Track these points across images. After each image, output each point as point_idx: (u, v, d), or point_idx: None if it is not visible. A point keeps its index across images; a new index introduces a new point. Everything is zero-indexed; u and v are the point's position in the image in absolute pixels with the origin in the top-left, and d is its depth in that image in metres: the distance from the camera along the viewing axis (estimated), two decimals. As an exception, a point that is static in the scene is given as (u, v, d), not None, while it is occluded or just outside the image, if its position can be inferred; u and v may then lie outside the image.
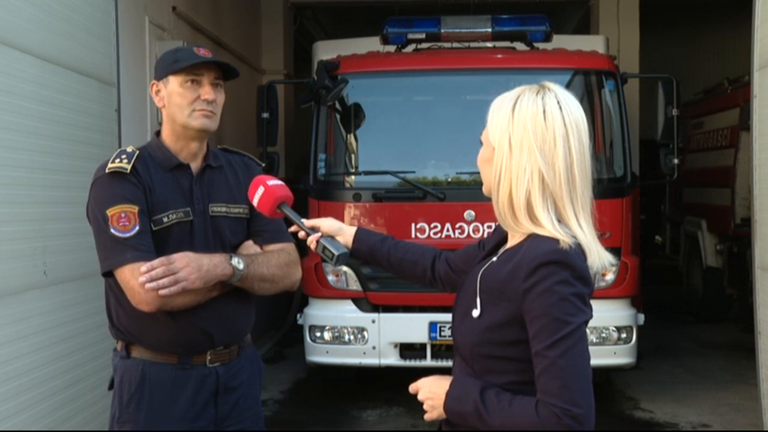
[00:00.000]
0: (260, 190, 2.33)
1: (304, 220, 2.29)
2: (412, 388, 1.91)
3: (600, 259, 1.80)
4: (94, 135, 4.63)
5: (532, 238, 1.78)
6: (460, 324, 1.88)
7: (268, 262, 2.61)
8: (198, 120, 2.55)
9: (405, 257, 2.27)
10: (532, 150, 1.77)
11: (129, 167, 2.48)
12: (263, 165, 2.86)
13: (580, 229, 1.78)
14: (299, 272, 2.72)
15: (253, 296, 2.66)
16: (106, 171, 2.49)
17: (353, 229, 2.29)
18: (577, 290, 1.71)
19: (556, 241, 1.74)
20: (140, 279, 2.36)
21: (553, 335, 1.68)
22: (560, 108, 1.79)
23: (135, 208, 2.45)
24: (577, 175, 1.79)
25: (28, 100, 3.97)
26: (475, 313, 1.82)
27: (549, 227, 1.76)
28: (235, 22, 8.99)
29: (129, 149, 2.55)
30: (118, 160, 2.50)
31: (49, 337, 4.09)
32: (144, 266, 2.37)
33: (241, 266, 2.51)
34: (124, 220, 2.43)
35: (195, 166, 2.63)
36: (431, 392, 1.85)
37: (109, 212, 2.43)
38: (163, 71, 2.59)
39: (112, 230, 2.42)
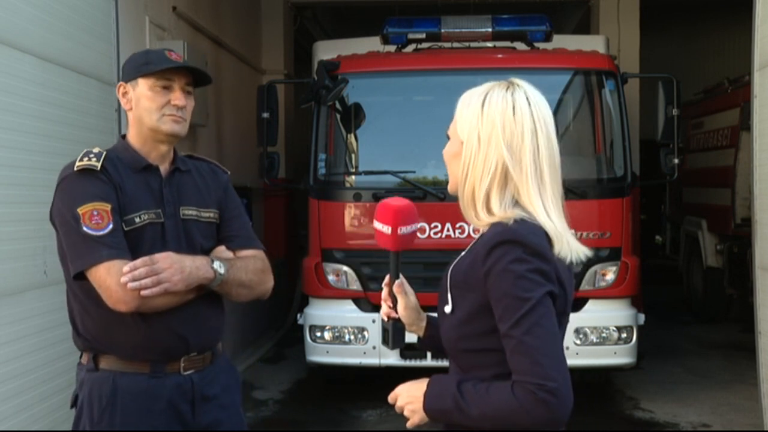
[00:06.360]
0: (387, 230, 1.95)
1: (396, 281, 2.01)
2: (391, 398, 1.88)
3: (572, 250, 1.79)
4: (94, 135, 4.63)
5: (491, 226, 1.79)
6: (440, 323, 1.88)
7: (246, 268, 2.54)
8: (168, 124, 2.47)
9: None
10: (500, 145, 1.78)
11: (99, 165, 2.38)
12: (229, 173, 2.76)
13: (549, 220, 1.78)
14: (272, 280, 2.65)
15: (224, 301, 2.59)
16: (75, 169, 2.39)
17: (425, 317, 2.08)
18: (533, 266, 1.70)
19: (506, 223, 1.75)
20: (122, 279, 2.27)
21: (515, 314, 1.67)
22: (529, 104, 1.81)
23: (107, 206, 2.35)
24: (545, 169, 1.80)
25: (28, 100, 3.97)
26: (447, 309, 1.82)
27: (498, 212, 1.77)
28: (235, 22, 8.99)
29: (95, 150, 2.45)
30: (86, 158, 2.40)
31: (49, 337, 4.09)
32: (126, 266, 2.29)
33: (222, 270, 2.45)
34: (97, 218, 2.33)
35: (164, 168, 2.54)
36: (409, 396, 1.83)
37: (81, 210, 2.33)
38: (132, 73, 2.50)
39: (85, 228, 2.32)
